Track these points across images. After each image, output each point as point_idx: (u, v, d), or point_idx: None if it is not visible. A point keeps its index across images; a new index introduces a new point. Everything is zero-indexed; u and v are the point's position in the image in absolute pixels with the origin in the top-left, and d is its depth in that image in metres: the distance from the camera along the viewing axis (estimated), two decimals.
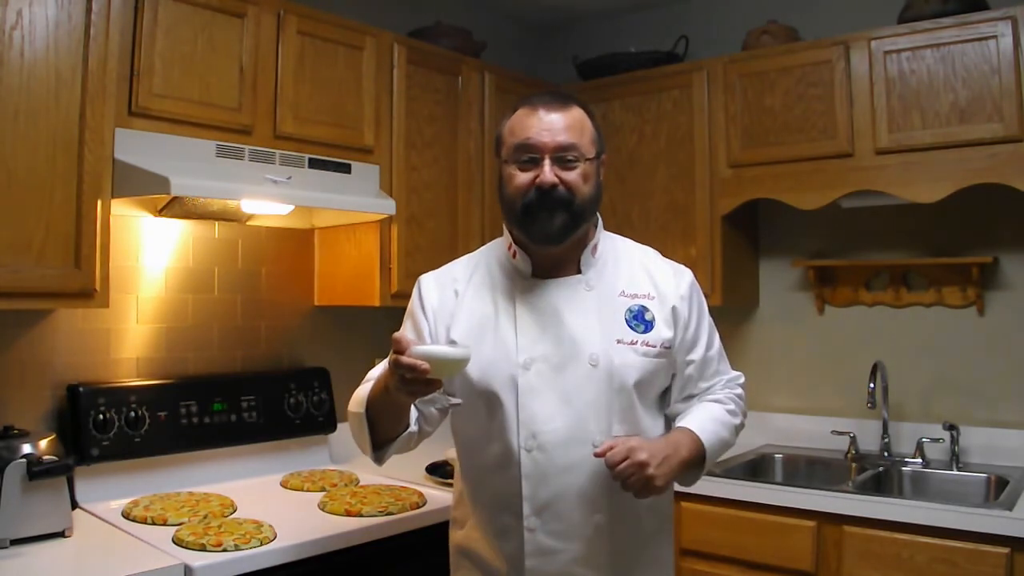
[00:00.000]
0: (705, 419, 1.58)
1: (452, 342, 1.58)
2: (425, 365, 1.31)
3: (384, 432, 1.54)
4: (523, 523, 1.51)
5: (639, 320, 1.56)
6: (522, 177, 1.51)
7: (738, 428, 1.66)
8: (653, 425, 1.59)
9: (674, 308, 1.59)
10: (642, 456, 1.40)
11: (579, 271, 1.59)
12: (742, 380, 1.71)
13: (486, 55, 3.06)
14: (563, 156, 1.50)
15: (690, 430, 1.54)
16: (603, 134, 1.62)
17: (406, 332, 1.63)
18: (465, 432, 1.64)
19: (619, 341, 1.53)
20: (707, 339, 1.64)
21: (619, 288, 1.58)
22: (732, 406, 1.64)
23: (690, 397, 1.64)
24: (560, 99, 1.56)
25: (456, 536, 1.68)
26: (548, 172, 1.49)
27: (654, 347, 1.55)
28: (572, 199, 1.50)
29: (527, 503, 1.51)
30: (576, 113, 1.54)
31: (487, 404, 1.55)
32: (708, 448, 1.54)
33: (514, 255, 1.60)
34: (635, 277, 1.61)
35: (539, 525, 1.50)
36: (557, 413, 1.50)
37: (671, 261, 1.68)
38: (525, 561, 1.52)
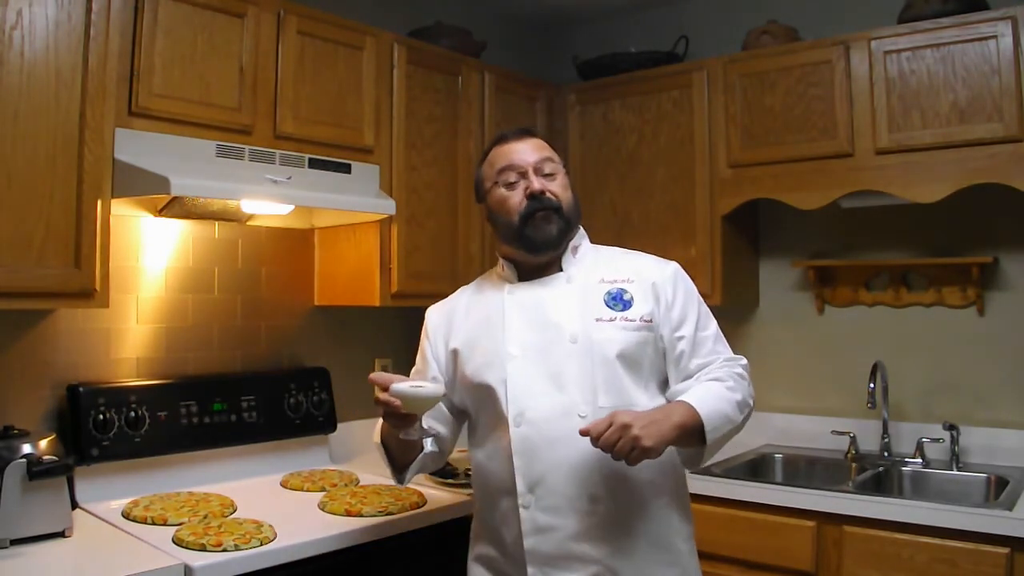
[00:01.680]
0: (700, 392, 1.57)
1: (435, 378, 1.72)
2: (396, 402, 1.47)
3: (399, 456, 1.71)
4: (518, 502, 1.57)
5: (617, 300, 1.65)
6: (513, 195, 1.66)
7: (741, 406, 1.60)
8: (649, 403, 1.61)
9: (654, 284, 1.67)
10: (624, 419, 1.43)
11: (560, 270, 1.71)
12: (744, 362, 1.69)
13: (486, 55, 3.06)
14: (542, 169, 1.67)
15: (683, 401, 1.54)
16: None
17: (419, 358, 1.82)
18: (473, 430, 1.75)
19: (598, 319, 1.63)
20: (697, 320, 1.68)
21: (598, 277, 1.69)
22: (731, 383, 1.61)
23: (689, 379, 1.64)
24: (524, 131, 1.75)
25: (471, 551, 1.77)
26: (536, 181, 1.65)
27: (633, 320, 1.63)
28: (560, 205, 1.66)
29: (520, 478, 1.57)
30: (541, 140, 1.74)
31: (486, 395, 1.65)
32: (706, 418, 1.51)
33: (502, 268, 1.77)
34: (614, 267, 1.71)
35: (533, 502, 1.56)
36: (544, 390, 1.59)
37: (657, 257, 1.77)
38: (524, 541, 1.57)
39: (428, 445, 1.70)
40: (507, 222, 1.67)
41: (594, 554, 1.54)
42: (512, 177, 1.67)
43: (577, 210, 1.72)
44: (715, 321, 1.72)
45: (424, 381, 1.58)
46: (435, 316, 1.82)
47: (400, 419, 1.51)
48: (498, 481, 1.62)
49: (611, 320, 1.62)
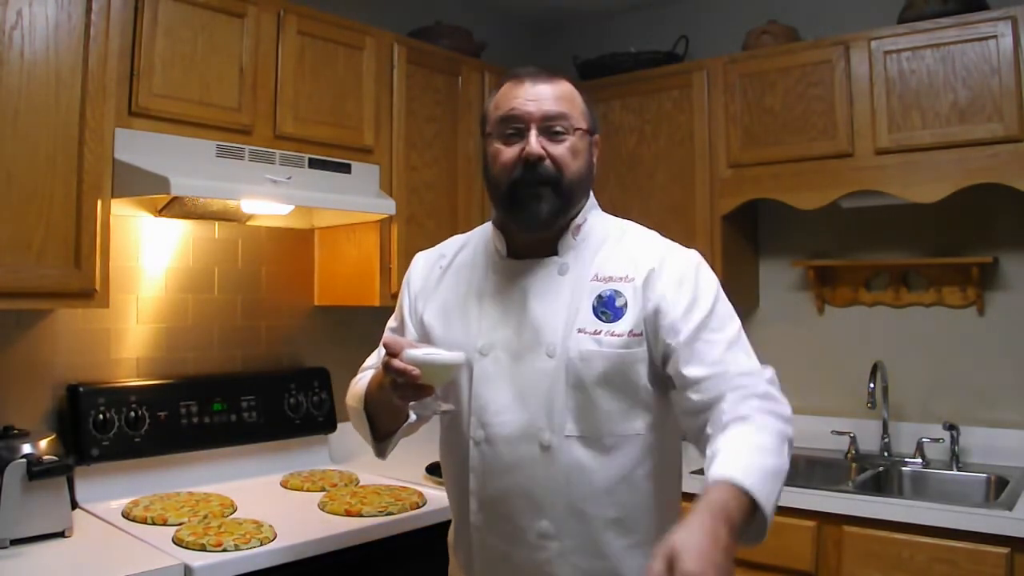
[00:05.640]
0: (739, 454, 1.26)
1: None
2: (416, 371, 1.26)
3: (384, 425, 1.50)
4: (470, 520, 1.43)
5: (608, 307, 1.38)
6: (507, 152, 1.38)
7: (784, 437, 1.33)
8: (627, 427, 1.37)
9: (652, 281, 1.39)
10: (689, 566, 1.06)
11: (556, 252, 1.45)
12: (769, 375, 1.40)
13: (486, 55, 3.06)
14: (550, 127, 1.37)
15: (725, 481, 1.21)
16: (600, 125, 1.52)
17: (397, 310, 1.62)
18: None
19: (580, 331, 1.37)
20: (702, 321, 1.36)
21: (594, 271, 1.42)
22: (760, 420, 1.32)
23: (707, 402, 1.33)
24: (548, 72, 1.43)
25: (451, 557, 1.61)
26: (534, 143, 1.36)
27: (621, 336, 1.36)
28: (560, 176, 1.37)
29: (473, 498, 1.41)
30: (565, 86, 1.42)
31: (449, 389, 1.45)
32: (756, 492, 1.22)
33: (494, 234, 1.51)
34: (617, 259, 1.43)
35: (484, 524, 1.41)
36: (509, 406, 1.38)
37: (674, 244, 1.47)
38: (473, 561, 1.44)
39: (411, 415, 1.50)
40: (495, 183, 1.41)
41: None
42: (510, 130, 1.38)
43: (584, 183, 1.43)
44: (737, 324, 1.40)
45: (440, 349, 1.37)
46: (420, 274, 1.58)
47: (416, 390, 1.28)
48: (457, 486, 1.47)
49: (595, 334, 1.36)
